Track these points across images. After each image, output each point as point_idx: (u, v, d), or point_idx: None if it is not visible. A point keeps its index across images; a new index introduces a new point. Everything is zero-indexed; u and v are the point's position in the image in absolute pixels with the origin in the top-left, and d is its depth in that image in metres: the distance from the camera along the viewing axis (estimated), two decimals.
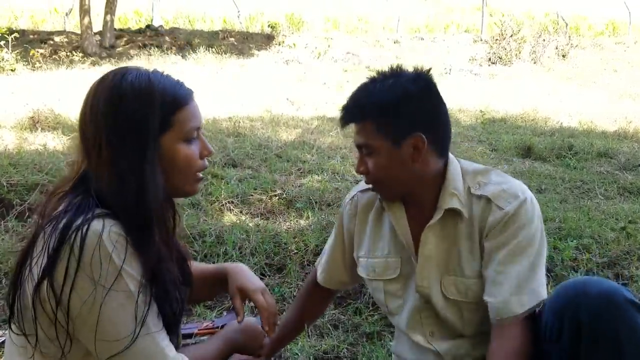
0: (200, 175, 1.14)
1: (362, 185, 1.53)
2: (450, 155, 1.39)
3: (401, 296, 1.44)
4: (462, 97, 8.02)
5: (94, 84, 1.06)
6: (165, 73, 1.11)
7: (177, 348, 1.08)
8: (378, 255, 1.46)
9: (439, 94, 1.34)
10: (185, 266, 1.19)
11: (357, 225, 1.52)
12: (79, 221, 0.95)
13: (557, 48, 12.28)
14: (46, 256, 0.94)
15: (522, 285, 1.25)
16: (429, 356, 1.41)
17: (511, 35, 11.99)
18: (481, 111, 7.30)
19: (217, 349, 1.23)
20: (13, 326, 1.02)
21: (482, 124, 6.81)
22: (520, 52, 11.91)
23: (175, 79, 1.11)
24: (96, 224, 0.95)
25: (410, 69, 1.35)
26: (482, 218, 1.31)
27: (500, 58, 11.67)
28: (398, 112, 1.28)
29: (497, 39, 12.12)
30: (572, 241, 2.93)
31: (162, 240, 1.04)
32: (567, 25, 14.27)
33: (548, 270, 2.69)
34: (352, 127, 1.36)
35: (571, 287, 1.20)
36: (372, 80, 1.35)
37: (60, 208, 1.00)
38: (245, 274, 1.31)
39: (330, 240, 1.64)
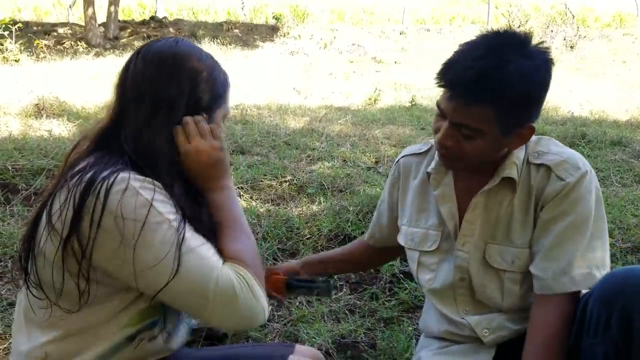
0: None
1: (407, 150, 1.51)
2: None
3: (434, 270, 1.39)
4: None
5: (160, 50, 1.06)
6: None
7: None
8: (420, 225, 1.42)
9: None
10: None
11: (400, 192, 1.50)
12: (105, 173, 0.92)
13: (564, 39, 12.18)
14: (71, 208, 0.90)
15: (576, 263, 1.19)
16: (461, 329, 1.35)
17: (518, 27, 11.87)
18: None
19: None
20: (33, 290, 0.98)
21: None
22: None
23: None
24: (123, 174, 0.92)
25: (535, 41, 1.18)
26: (540, 187, 1.24)
27: None
28: (523, 105, 1.16)
29: None
30: None
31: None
32: (574, 16, 14.13)
33: None
34: (443, 91, 1.19)
35: (619, 277, 1.11)
36: (502, 56, 1.11)
37: (82, 164, 0.96)
38: None
39: (378, 203, 1.63)
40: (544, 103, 1.25)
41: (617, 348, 1.07)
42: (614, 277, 1.12)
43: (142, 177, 0.94)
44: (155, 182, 0.95)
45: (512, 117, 1.16)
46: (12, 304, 2.08)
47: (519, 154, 1.28)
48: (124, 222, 0.89)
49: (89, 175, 0.92)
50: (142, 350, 1.04)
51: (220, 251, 1.01)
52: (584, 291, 1.29)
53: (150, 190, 0.93)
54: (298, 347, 1.31)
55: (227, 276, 0.95)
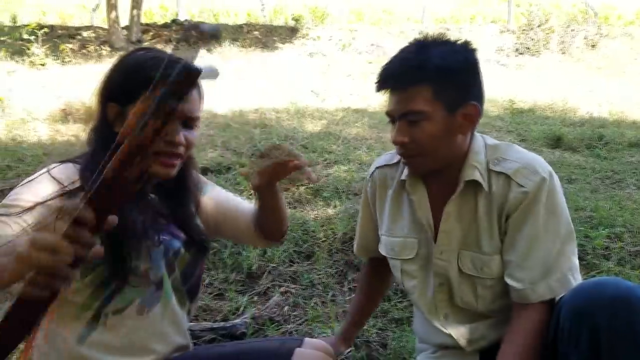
0: (169, 160, 1.17)
1: (380, 161, 1.54)
2: None
3: (416, 277, 1.44)
4: (490, 88, 7.75)
5: None
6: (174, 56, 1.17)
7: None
8: (397, 234, 1.46)
9: None
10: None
11: (378, 203, 1.53)
12: None
13: (586, 38, 12.04)
14: None
15: (550, 270, 1.24)
16: (445, 338, 1.42)
17: (539, 26, 11.81)
18: (511, 100, 7.20)
19: None
20: None
21: (510, 113, 6.72)
22: (548, 43, 11.71)
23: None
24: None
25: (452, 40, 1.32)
26: (502, 196, 1.28)
27: (528, 49, 11.49)
28: (459, 78, 1.25)
29: (524, 30, 11.95)
30: (603, 230, 2.89)
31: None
32: (595, 14, 13.94)
33: (579, 258, 2.65)
34: (387, 95, 1.31)
35: (587, 290, 1.15)
36: (423, 45, 1.28)
37: None
38: None
39: (359, 217, 1.66)
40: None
41: None
42: (582, 290, 1.16)
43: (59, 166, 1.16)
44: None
45: (449, 92, 1.24)
46: None
47: (477, 157, 1.32)
48: None
49: None
50: (121, 326, 1.14)
51: None
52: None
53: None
54: (307, 340, 1.35)
55: None
